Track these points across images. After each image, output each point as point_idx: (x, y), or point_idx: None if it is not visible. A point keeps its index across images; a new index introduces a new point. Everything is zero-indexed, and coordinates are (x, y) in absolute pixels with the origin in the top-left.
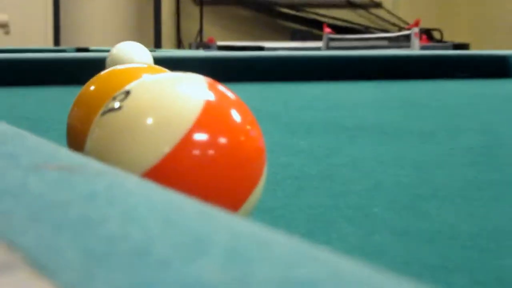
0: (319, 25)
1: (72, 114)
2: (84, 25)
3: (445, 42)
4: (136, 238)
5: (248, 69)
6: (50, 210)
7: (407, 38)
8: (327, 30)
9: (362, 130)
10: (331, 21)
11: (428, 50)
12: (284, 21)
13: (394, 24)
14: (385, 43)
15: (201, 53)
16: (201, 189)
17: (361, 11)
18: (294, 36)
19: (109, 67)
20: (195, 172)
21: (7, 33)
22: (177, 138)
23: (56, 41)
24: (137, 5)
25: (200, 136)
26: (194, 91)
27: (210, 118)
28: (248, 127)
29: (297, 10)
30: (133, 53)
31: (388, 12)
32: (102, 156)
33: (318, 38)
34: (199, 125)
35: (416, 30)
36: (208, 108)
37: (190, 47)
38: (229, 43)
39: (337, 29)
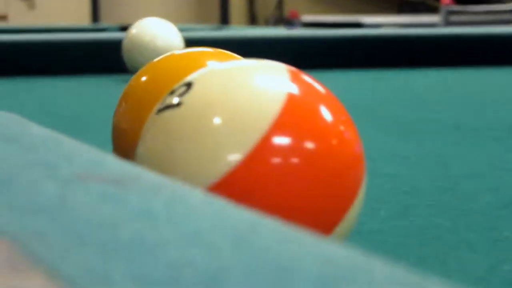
0: None
1: (120, 111)
2: None
3: None
4: (203, 265)
5: (343, 53)
6: (96, 231)
7: None
8: (445, 0)
9: (491, 131)
10: None
11: None
12: None
13: None
14: None
15: (281, 32)
16: (282, 206)
17: None
18: (402, 8)
19: (126, 51)
20: (274, 186)
21: (31, 7)
22: (252, 143)
23: (95, 17)
24: None
25: (281, 140)
26: (273, 84)
27: (293, 117)
28: (342, 128)
29: None
30: (156, 34)
31: None
32: (158, 164)
33: (434, 10)
34: (279, 126)
35: None
36: (291, 104)
37: (267, 24)
38: (318, 18)
39: None
